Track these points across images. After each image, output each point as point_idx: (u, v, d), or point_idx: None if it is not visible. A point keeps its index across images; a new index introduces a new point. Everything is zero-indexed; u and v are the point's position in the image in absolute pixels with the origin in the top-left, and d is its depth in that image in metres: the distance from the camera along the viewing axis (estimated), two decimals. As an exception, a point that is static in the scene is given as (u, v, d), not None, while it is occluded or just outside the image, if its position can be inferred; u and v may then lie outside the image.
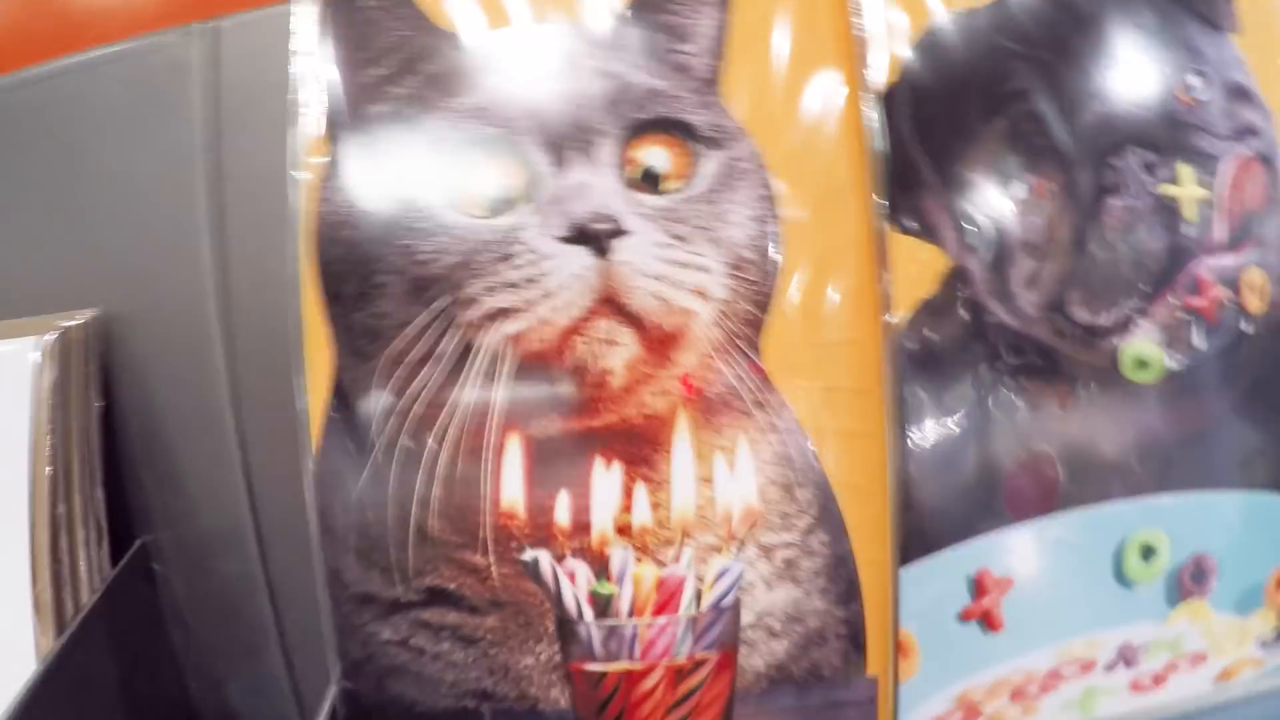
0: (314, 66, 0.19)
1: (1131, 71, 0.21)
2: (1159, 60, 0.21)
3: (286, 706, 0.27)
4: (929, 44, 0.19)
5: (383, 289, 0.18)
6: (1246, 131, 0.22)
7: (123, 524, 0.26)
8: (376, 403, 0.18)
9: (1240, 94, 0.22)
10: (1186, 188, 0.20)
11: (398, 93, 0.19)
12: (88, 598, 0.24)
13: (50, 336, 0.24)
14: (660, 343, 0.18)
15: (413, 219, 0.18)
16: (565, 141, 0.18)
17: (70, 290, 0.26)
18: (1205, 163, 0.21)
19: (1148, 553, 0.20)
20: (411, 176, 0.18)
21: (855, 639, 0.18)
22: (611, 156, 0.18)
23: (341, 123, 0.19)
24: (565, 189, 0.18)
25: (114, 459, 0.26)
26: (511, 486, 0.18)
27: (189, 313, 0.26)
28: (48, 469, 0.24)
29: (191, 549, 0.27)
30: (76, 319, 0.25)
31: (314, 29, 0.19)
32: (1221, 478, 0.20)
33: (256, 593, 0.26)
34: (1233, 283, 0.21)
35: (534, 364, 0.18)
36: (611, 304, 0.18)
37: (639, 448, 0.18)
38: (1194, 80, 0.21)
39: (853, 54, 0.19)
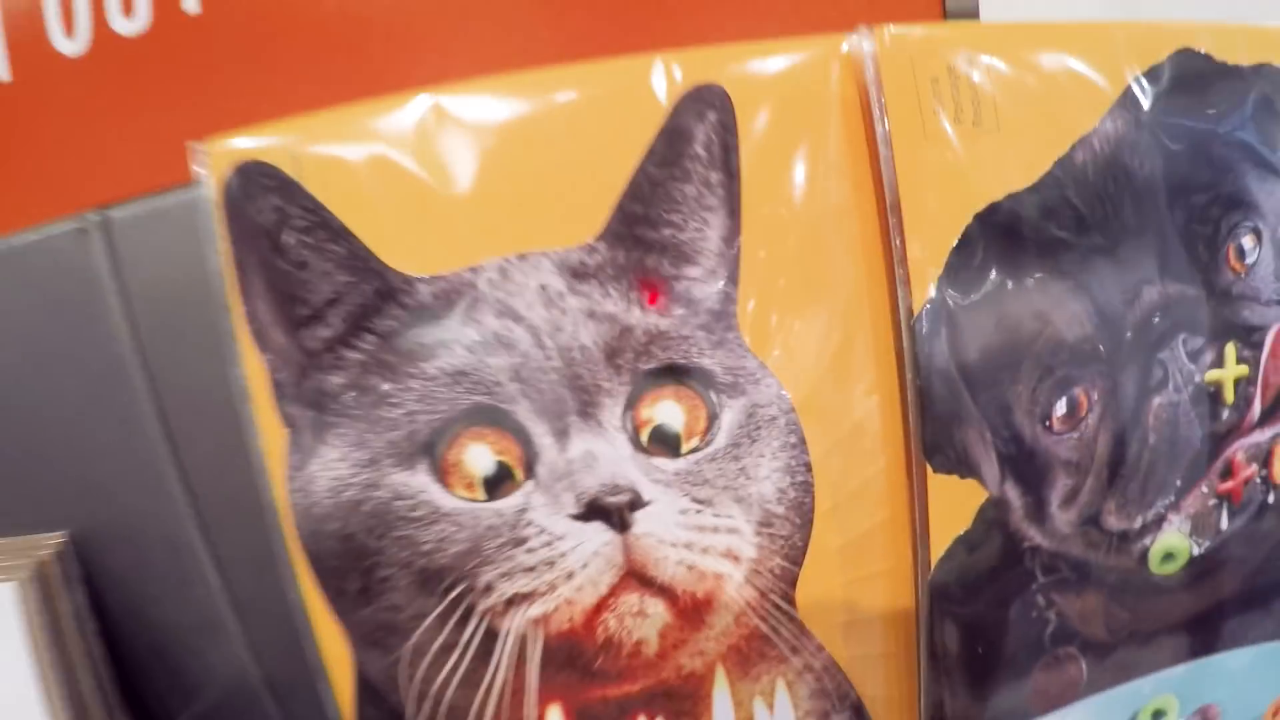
0: (240, 323, 0.15)
1: (1186, 243, 0.19)
2: (1215, 221, 0.19)
3: None
4: (969, 241, 0.17)
5: (388, 582, 0.17)
6: (1297, 291, 0.20)
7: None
8: (405, 693, 0.17)
9: None
10: (1230, 369, 0.19)
11: (352, 357, 0.16)
12: None
13: (25, 571, 0.22)
14: (693, 609, 0.17)
15: (405, 507, 0.16)
16: (563, 405, 0.16)
17: (32, 512, 0.23)
18: (1249, 335, 0.19)
19: (1158, 715, 0.21)
20: (389, 459, 0.16)
21: None
22: (617, 418, 0.16)
23: (291, 394, 0.16)
24: (570, 461, 0.16)
25: (121, 663, 0.25)
26: None
27: (164, 526, 0.24)
28: (59, 689, 0.24)
29: None
30: (47, 545, 0.23)
31: (229, 272, 0.15)
32: (1231, 640, 0.21)
33: None
34: (1264, 457, 0.20)
35: (564, 642, 0.17)
36: (638, 576, 0.17)
37: (680, 703, 0.18)
38: (1248, 241, 0.19)
39: (887, 264, 0.17)
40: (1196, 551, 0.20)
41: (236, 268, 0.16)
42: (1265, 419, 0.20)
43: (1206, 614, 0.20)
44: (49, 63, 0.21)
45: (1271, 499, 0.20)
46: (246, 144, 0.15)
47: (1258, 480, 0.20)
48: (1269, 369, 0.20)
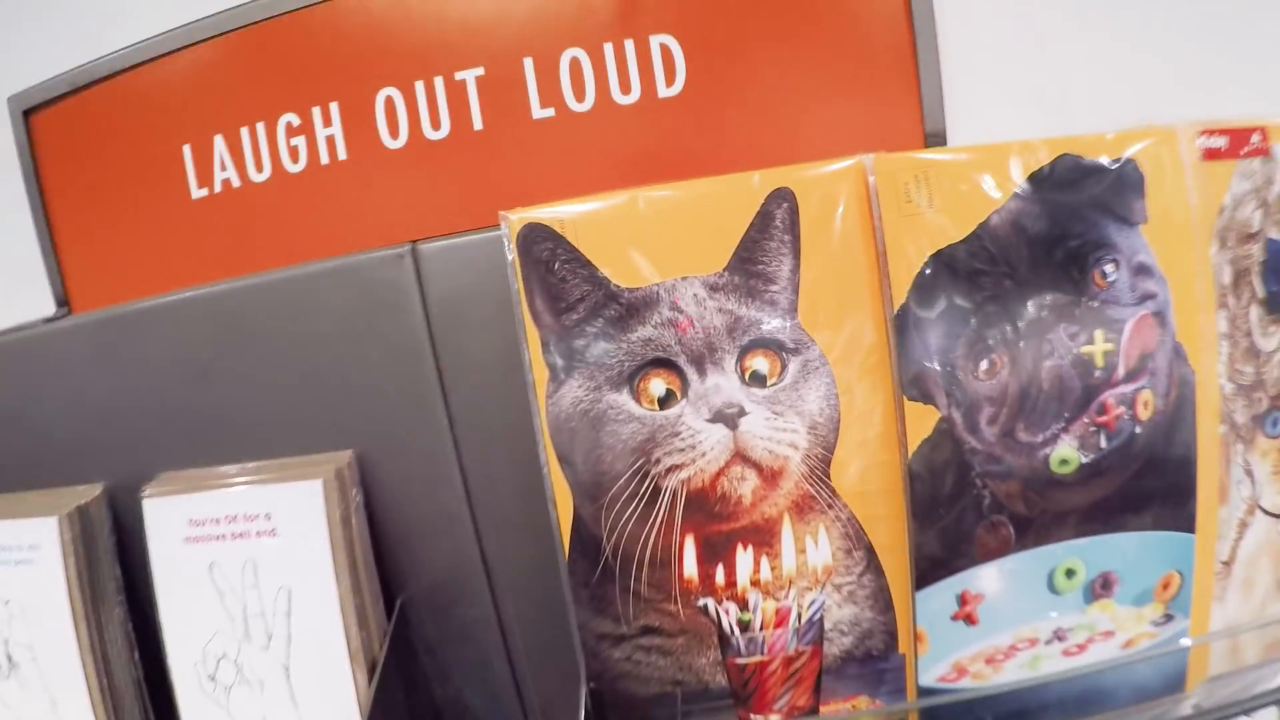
0: (525, 310, 0.29)
1: (1063, 270, 0.30)
2: (1084, 258, 0.30)
3: (511, 704, 0.39)
4: (927, 270, 0.29)
5: (601, 457, 0.30)
6: (1146, 297, 0.32)
7: (386, 589, 0.37)
8: (603, 524, 0.30)
9: (1143, 270, 0.32)
10: (1098, 345, 0.30)
11: (589, 330, 0.30)
12: (378, 641, 0.35)
13: (329, 473, 0.35)
14: (771, 477, 0.30)
15: (614, 413, 0.30)
16: (703, 358, 0.30)
17: (329, 437, 0.36)
18: (1113, 325, 0.31)
19: (1070, 573, 0.32)
20: (607, 386, 0.30)
21: (891, 634, 0.31)
22: (733, 366, 0.30)
23: (554, 350, 0.30)
24: (706, 389, 0.30)
25: (378, 547, 0.37)
26: (689, 564, 0.31)
27: (428, 448, 0.37)
28: (346, 563, 0.35)
29: (440, 603, 0.38)
30: (342, 458, 0.36)
31: (518, 283, 0.29)
32: (1120, 524, 0.31)
33: (490, 628, 0.38)
34: (1130, 402, 0.31)
35: (697, 495, 0.30)
36: (740, 456, 0.30)
37: (762, 537, 0.31)
38: (1109, 267, 0.31)
39: (880, 283, 0.29)
40: (1085, 460, 0.30)
41: (524, 281, 0.30)
42: (1128, 378, 0.31)
43: (1098, 504, 0.31)
44: (381, 152, 0.35)
45: (1137, 430, 0.31)
46: (533, 213, 0.30)
47: (1126, 417, 0.31)
48: (1128, 346, 0.31)
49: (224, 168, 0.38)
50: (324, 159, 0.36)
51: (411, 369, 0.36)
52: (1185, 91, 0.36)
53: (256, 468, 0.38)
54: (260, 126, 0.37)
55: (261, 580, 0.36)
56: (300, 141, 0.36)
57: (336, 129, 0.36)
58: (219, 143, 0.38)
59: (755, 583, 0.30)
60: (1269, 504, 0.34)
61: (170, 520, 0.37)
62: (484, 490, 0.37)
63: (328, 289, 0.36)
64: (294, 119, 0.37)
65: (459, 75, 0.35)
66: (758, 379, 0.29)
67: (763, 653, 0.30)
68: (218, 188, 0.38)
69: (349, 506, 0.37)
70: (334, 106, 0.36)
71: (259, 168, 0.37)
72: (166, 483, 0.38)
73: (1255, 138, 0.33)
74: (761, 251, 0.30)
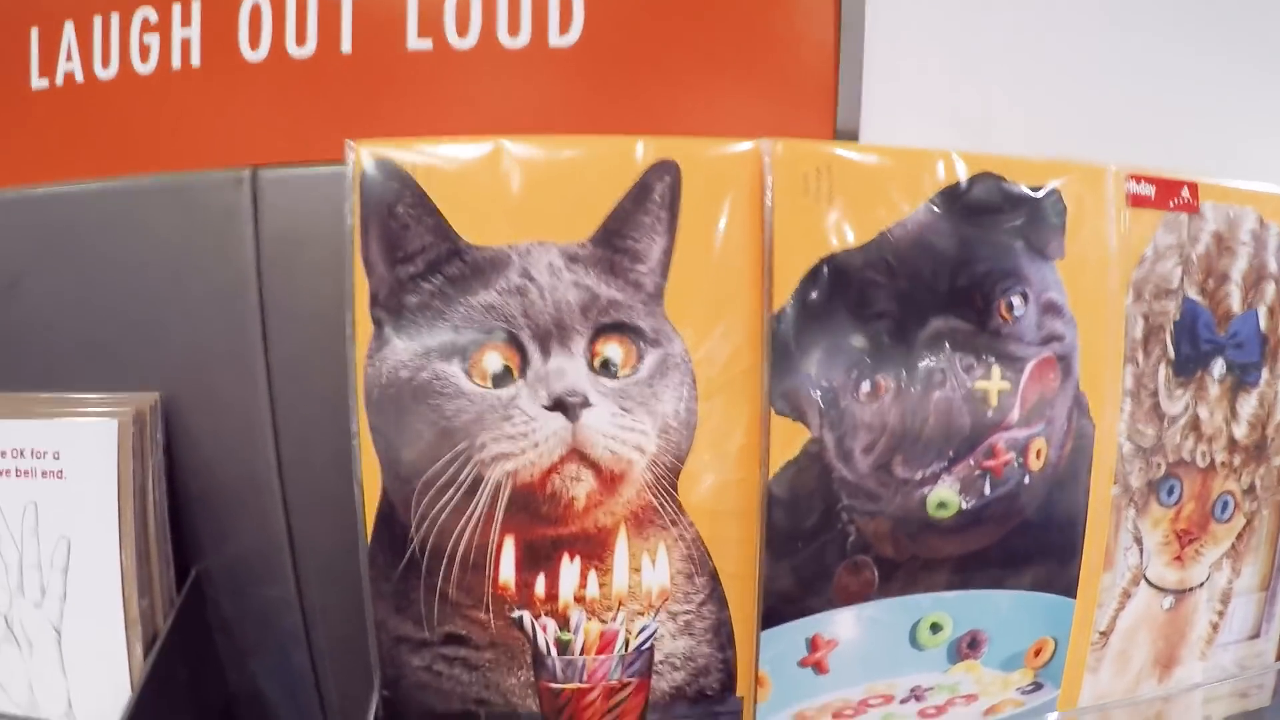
0: (357, 254, 0.25)
1: (967, 296, 0.28)
2: (991, 287, 0.28)
3: (309, 699, 0.36)
4: (816, 274, 0.26)
5: (419, 434, 0.26)
6: (1052, 339, 0.29)
7: (180, 556, 0.33)
8: (413, 511, 0.26)
9: (1052, 308, 0.29)
10: (995, 382, 0.28)
11: (425, 287, 0.26)
12: (163, 612, 0.31)
13: (127, 415, 0.31)
14: (610, 481, 0.26)
15: (440, 385, 0.26)
16: (550, 335, 0.26)
17: (134, 374, 0.32)
18: (1013, 363, 0.29)
19: (935, 628, 0.29)
20: (437, 353, 0.26)
21: (729, 674, 0.28)
22: (582, 349, 0.26)
23: (382, 304, 0.26)
24: (549, 371, 0.26)
25: (175, 508, 0.33)
26: (506, 570, 0.27)
27: (240, 402, 0.33)
28: (133, 519, 0.31)
29: (238, 578, 0.34)
30: (145, 400, 0.32)
31: (356, 222, 0.25)
32: (996, 580, 0.29)
33: (291, 612, 0.34)
34: (1021, 448, 0.29)
35: (524, 491, 0.26)
36: (578, 453, 0.26)
37: (593, 548, 0.27)
38: (1016, 300, 0.28)
39: (761, 281, 0.26)
40: (965, 506, 0.28)
41: (361, 222, 0.25)
42: (1023, 422, 0.29)
43: (973, 555, 0.29)
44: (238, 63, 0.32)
45: (1026, 480, 0.29)
46: (384, 149, 0.26)
47: (1015, 464, 0.28)
48: (1027, 388, 0.28)
49: (69, 58, 0.33)
50: (175, 63, 0.32)
51: (234, 309, 0.32)
52: (1110, 138, 0.34)
53: (50, 399, 0.33)
54: (115, 17, 0.32)
55: (42, 527, 0.32)
56: (154, 40, 0.32)
57: (194, 31, 0.32)
58: (68, 29, 0.33)
59: (580, 599, 0.26)
60: (1155, 575, 0.32)
61: (-55, 447, 0.33)
62: (297, 456, 0.33)
63: (156, 208, 0.32)
64: (151, 14, 0.32)
65: None
66: (608, 368, 0.26)
67: (581, 679, 0.27)
68: (59, 80, 0.33)
69: (146, 455, 0.32)
70: (195, 5, 0.31)
71: (105, 63, 0.33)
72: (-54, 403, 0.34)
73: (1184, 192, 0.30)
74: (633, 226, 0.26)
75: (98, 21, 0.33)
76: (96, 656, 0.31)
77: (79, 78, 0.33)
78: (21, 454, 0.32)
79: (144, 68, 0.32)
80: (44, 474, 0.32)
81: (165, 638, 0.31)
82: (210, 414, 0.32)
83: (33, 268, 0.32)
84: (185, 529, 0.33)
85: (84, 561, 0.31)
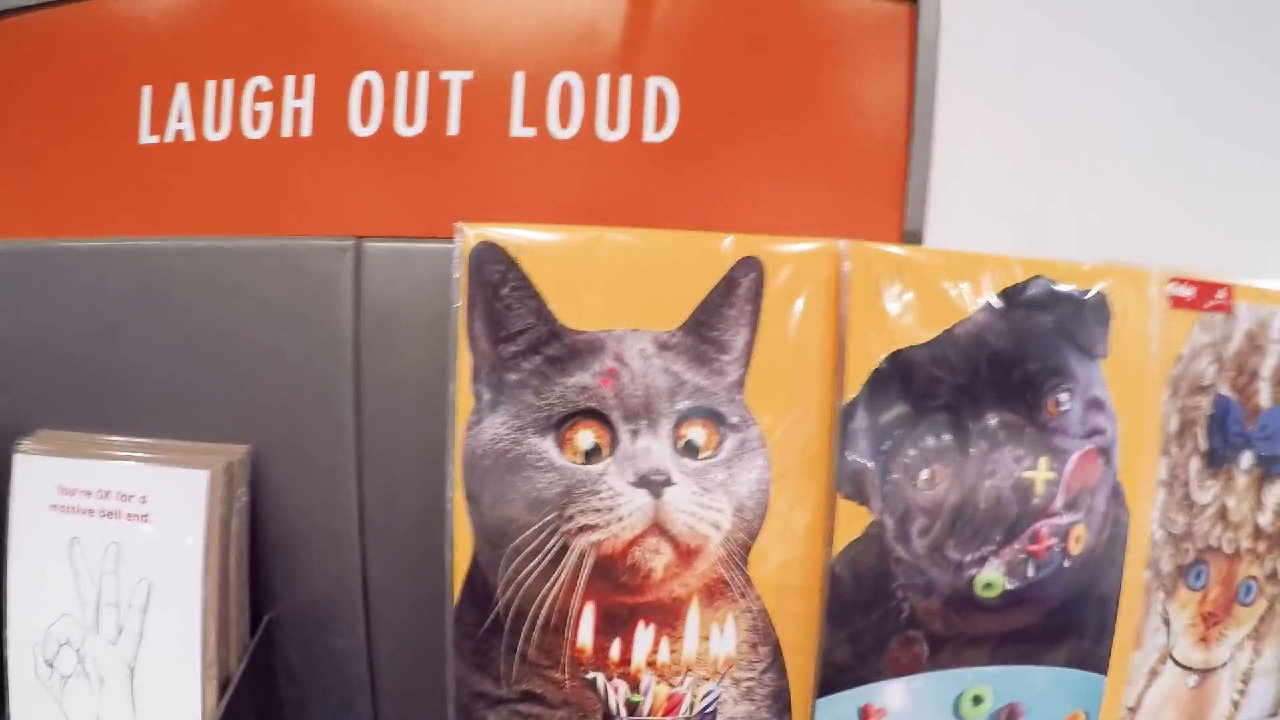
0: (463, 330, 0.27)
1: (1019, 391, 0.30)
2: (1041, 384, 0.30)
3: None
4: (884, 368, 0.28)
5: (511, 503, 0.28)
6: (1095, 432, 0.31)
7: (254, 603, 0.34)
8: (500, 575, 0.28)
9: (1096, 405, 0.32)
10: (1041, 473, 0.30)
11: (525, 366, 0.28)
12: (237, 656, 0.32)
13: (219, 466, 0.32)
14: (687, 554, 0.28)
15: (534, 458, 0.27)
16: (639, 417, 0.28)
17: (226, 427, 0.33)
18: (1059, 454, 0.31)
19: (977, 700, 0.31)
20: (533, 428, 0.28)
21: None
22: (668, 431, 0.28)
23: (484, 379, 0.28)
24: (636, 450, 0.28)
25: (253, 555, 0.34)
26: (585, 633, 0.28)
27: (328, 459, 0.33)
28: (218, 566, 0.32)
29: (308, 626, 0.35)
30: (236, 452, 0.33)
31: (462, 301, 0.27)
32: (1035, 656, 0.31)
33: (359, 663, 0.35)
34: (1063, 534, 0.30)
35: (606, 561, 0.28)
36: (659, 528, 0.28)
37: (666, 616, 0.29)
38: (1063, 396, 0.30)
39: (834, 372, 0.28)
40: (1010, 586, 0.30)
41: (468, 300, 0.28)
42: (1066, 510, 0.30)
43: (1015, 633, 0.31)
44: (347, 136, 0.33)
45: (1066, 564, 0.31)
46: (491, 231, 0.28)
47: (1057, 549, 0.30)
48: (1071, 478, 0.31)
49: (181, 119, 0.35)
50: (286, 131, 0.34)
51: (329, 371, 0.33)
52: (1156, 238, 0.36)
53: (143, 444, 0.34)
54: (228, 84, 0.34)
55: (123, 567, 0.33)
56: (266, 108, 0.34)
57: (307, 103, 0.33)
58: (181, 91, 0.35)
59: (651, 664, 0.28)
60: (1181, 655, 0.34)
61: (39, 482, 0.33)
62: (380, 514, 0.34)
63: (260, 268, 0.33)
64: (265, 83, 0.34)
65: (445, 75, 0.33)
66: (691, 449, 0.28)
67: (648, 738, 0.30)
68: (169, 137, 0.35)
69: (232, 506, 0.33)
70: (309, 79, 0.33)
71: (217, 126, 0.34)
72: (43, 440, 0.34)
73: (1221, 294, 0.33)
74: (720, 318, 0.28)
75: (210, 87, 0.35)
76: (168, 695, 0.32)
77: (188, 136, 0.35)
78: (107, 495, 0.33)
79: (254, 133, 0.34)
80: (129, 516, 0.33)
81: (237, 682, 0.32)
82: (297, 468, 0.33)
83: (131, 317, 0.34)
84: (263, 574, 0.34)
85: (164, 603, 0.32)
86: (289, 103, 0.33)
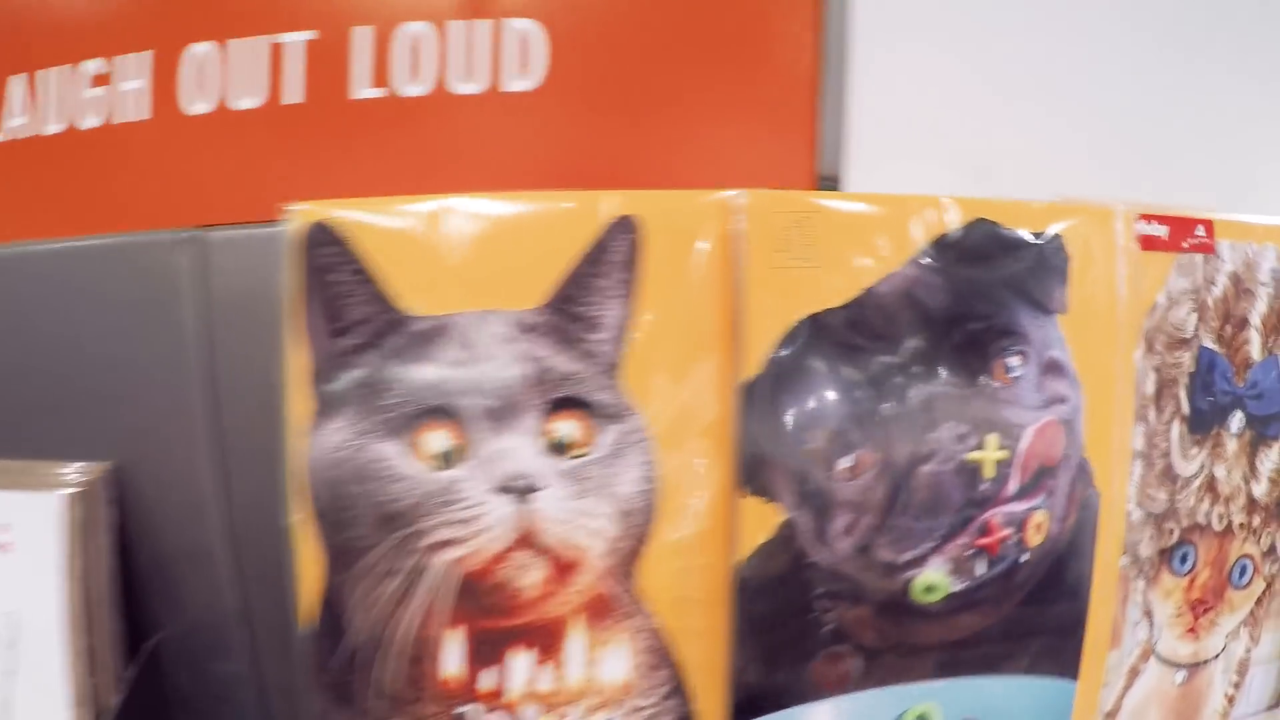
0: (298, 324, 0.23)
1: (959, 357, 0.25)
2: (986, 345, 0.25)
3: None
4: (791, 337, 0.24)
5: (359, 518, 0.24)
6: (1054, 401, 0.27)
7: (134, 630, 0.32)
8: (354, 598, 0.24)
9: (1054, 368, 0.27)
10: (990, 452, 0.26)
11: (366, 360, 0.23)
12: (114, 690, 0.30)
13: (73, 486, 0.29)
14: (563, 569, 0.24)
15: (381, 467, 0.24)
16: (498, 413, 0.24)
17: (83, 443, 0.30)
18: (1012, 429, 0.26)
19: (922, 719, 0.26)
20: (376, 432, 0.23)
21: None
22: (533, 427, 0.24)
23: (324, 377, 0.24)
24: (497, 451, 0.24)
25: (127, 579, 0.31)
26: (451, 662, 0.25)
27: (191, 472, 0.31)
28: (80, 594, 0.30)
29: (193, 653, 0.32)
30: (92, 471, 0.30)
31: (296, 291, 0.23)
32: (991, 666, 0.27)
33: (249, 690, 0.32)
34: (1019, 523, 0.26)
35: (470, 581, 0.24)
36: (528, 539, 0.24)
37: (545, 640, 0.25)
38: (1014, 360, 0.26)
39: (730, 349, 0.24)
40: (955, 588, 0.26)
41: (298, 291, 0.24)
42: (1022, 494, 0.26)
43: (965, 641, 0.26)
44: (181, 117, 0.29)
45: (1023, 558, 0.26)
46: (322, 210, 0.23)
47: (1012, 541, 0.26)
48: (1027, 456, 0.26)
49: (18, 114, 0.31)
50: (123, 116, 0.29)
51: (183, 377, 0.30)
52: (1120, 171, 0.31)
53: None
54: (65, 70, 0.30)
55: (-10, 601, 0.32)
56: (101, 93, 0.29)
57: (144, 84, 0.29)
58: (18, 84, 0.31)
59: (532, 694, 0.24)
60: (1166, 650, 0.30)
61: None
62: (252, 529, 0.31)
63: (100, 270, 0.30)
64: (101, 65, 0.29)
65: (283, 37, 0.28)
66: (561, 447, 0.24)
67: (537, 777, 0.26)
68: (1, 135, 0.31)
69: (96, 528, 0.30)
70: (147, 56, 0.29)
71: (58, 118, 0.30)
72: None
73: (1199, 231, 0.27)
74: (589, 291, 0.24)
75: (51, 75, 0.30)
76: (44, 734, 0.31)
77: (22, 135, 0.30)
78: (-37, 525, 0.32)
79: (90, 122, 0.29)
80: (-11, 546, 0.32)
81: (116, 714, 0.29)
82: (161, 484, 0.31)
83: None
84: (142, 601, 0.32)
85: (32, 637, 0.30)
86: (125, 85, 0.29)
